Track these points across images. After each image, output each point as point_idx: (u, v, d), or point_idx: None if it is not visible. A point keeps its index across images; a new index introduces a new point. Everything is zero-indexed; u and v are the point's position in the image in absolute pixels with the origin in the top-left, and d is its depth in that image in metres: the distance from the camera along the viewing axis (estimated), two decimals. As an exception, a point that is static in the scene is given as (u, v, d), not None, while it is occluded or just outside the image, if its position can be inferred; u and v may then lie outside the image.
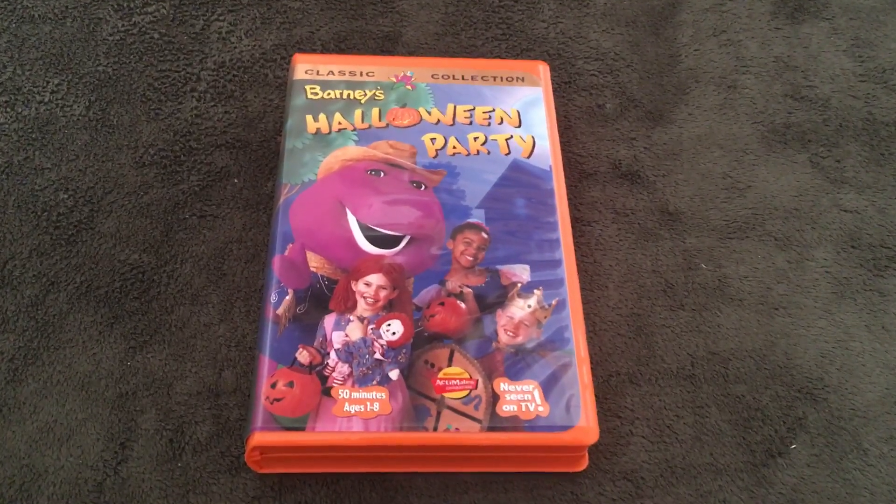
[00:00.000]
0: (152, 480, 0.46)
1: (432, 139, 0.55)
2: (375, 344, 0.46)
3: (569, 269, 0.50)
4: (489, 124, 0.56)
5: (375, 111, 0.56)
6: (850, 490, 0.48)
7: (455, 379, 0.46)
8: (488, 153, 0.55)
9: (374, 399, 0.44)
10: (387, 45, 0.65)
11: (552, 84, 0.63)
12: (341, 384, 0.45)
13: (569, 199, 0.56)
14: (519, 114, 0.57)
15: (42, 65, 0.61)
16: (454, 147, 0.55)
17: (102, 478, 0.46)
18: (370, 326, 0.47)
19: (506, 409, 0.45)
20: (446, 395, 0.45)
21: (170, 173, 0.57)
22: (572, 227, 0.55)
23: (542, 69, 0.60)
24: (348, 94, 0.56)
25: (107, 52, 0.63)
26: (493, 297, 0.49)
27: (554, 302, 0.49)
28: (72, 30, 0.63)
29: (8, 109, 0.59)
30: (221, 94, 0.61)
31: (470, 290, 0.49)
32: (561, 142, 0.59)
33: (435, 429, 0.44)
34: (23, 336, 0.50)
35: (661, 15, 0.69)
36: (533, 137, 0.56)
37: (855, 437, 0.50)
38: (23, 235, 0.54)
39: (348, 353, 0.46)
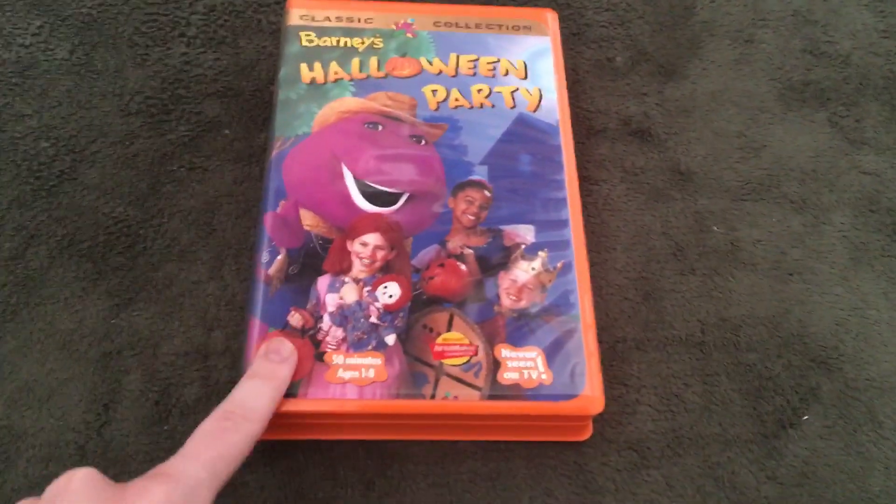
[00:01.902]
0: (137, 443, 0.45)
1: (433, 91, 0.53)
2: (371, 307, 0.45)
3: (575, 231, 0.49)
4: (494, 76, 0.54)
5: (374, 60, 0.53)
6: (864, 463, 0.47)
7: (454, 345, 0.44)
8: (492, 106, 0.52)
9: (369, 365, 0.43)
10: (387, -9, 0.62)
11: (560, 36, 0.60)
12: (335, 349, 0.43)
13: (576, 156, 0.54)
14: (525, 65, 0.54)
15: (23, 6, 0.59)
16: (456, 99, 0.52)
17: (85, 440, 0.45)
18: (366, 289, 0.45)
19: (507, 376, 0.43)
20: (445, 361, 0.44)
21: (157, 123, 0.55)
22: (579, 186, 0.53)
23: (551, 18, 0.57)
24: (345, 42, 0.54)
25: (92, -7, 0.60)
26: (495, 259, 0.47)
27: (559, 265, 0.47)
28: (55, -31, 0.61)
29: (-13, 53, 0.57)
30: (212, 40, 0.59)
31: (471, 251, 0.47)
32: (569, 96, 0.57)
33: (433, 396, 0.43)
34: (1, 291, 0.49)
35: (675, -36, 0.66)
36: (540, 90, 0.53)
37: (870, 408, 0.49)
38: (2, 185, 0.52)
39: (343, 316, 0.44)
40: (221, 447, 0.37)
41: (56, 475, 0.43)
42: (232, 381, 0.46)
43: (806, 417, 0.48)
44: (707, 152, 0.57)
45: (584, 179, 0.55)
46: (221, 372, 0.47)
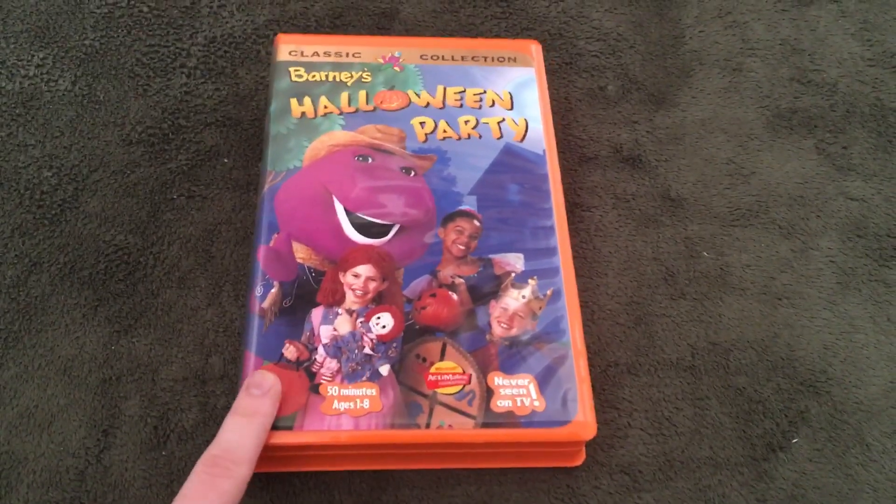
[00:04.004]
0: (136, 469, 0.45)
1: (422, 123, 0.53)
2: (365, 338, 0.45)
3: (564, 258, 0.49)
4: (480, 107, 0.54)
5: (363, 94, 0.54)
6: (853, 486, 0.48)
7: (448, 374, 0.44)
8: (480, 137, 0.53)
9: (363, 396, 0.43)
10: (383, 22, 0.63)
11: (552, 65, 0.61)
12: (330, 380, 0.44)
13: (568, 183, 0.55)
14: (511, 96, 0.55)
15: (27, 37, 0.60)
16: (444, 131, 0.53)
17: (84, 465, 0.45)
18: (359, 320, 0.46)
19: (500, 404, 0.44)
20: (439, 390, 0.44)
21: (157, 152, 0.56)
22: (571, 212, 0.54)
23: (535, 49, 0.58)
24: (334, 77, 0.54)
25: (94, 26, 0.61)
26: (486, 288, 0.48)
27: (549, 292, 0.48)
28: (58, 1, 0.62)
29: (-9, 84, 0.58)
30: (212, 71, 0.60)
31: (462, 280, 0.48)
32: (561, 124, 0.58)
33: (427, 426, 0.43)
34: (3, 318, 0.49)
35: (665, -7, 0.67)
36: (526, 120, 0.54)
37: (858, 431, 0.49)
38: (5, 214, 0.53)
39: (337, 347, 0.45)
40: (215, 498, 0.37)
41: (56, 501, 0.44)
42: (229, 407, 0.46)
43: (795, 440, 0.49)
44: (697, 179, 0.58)
45: (576, 206, 0.56)
46: (219, 398, 0.48)
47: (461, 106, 0.54)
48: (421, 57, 0.56)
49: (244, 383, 0.43)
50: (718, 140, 0.60)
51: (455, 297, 0.47)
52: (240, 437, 0.40)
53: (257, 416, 0.41)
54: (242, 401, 0.42)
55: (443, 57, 0.56)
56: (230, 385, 0.48)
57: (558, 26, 0.64)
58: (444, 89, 0.55)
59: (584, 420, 0.44)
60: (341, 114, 0.53)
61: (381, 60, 0.55)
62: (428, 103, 0.54)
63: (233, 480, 0.38)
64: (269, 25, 0.62)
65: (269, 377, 0.43)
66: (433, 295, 0.47)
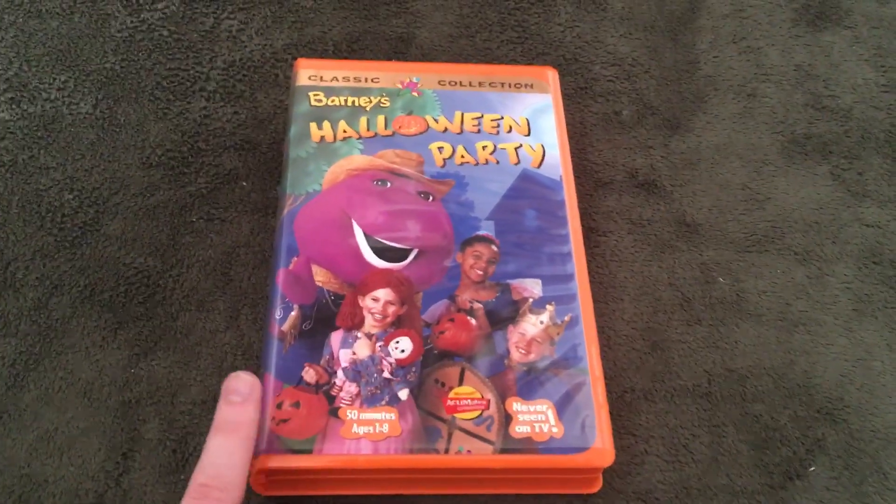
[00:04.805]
0: (155, 492, 0.45)
1: (440, 148, 0.54)
2: (384, 362, 0.45)
3: (581, 284, 0.49)
4: (498, 133, 0.55)
5: (381, 119, 0.54)
6: (870, 515, 0.47)
7: (466, 399, 0.44)
8: (497, 163, 0.53)
9: (383, 420, 0.43)
10: (400, 47, 0.64)
11: (567, 90, 0.62)
12: (349, 404, 0.44)
13: (584, 208, 0.55)
14: (528, 122, 0.55)
15: (49, 61, 0.61)
16: (462, 156, 0.53)
17: (104, 489, 0.45)
18: (378, 344, 0.46)
19: (519, 430, 0.44)
20: (458, 415, 0.44)
21: (177, 175, 0.56)
22: (587, 237, 0.54)
23: (552, 75, 0.58)
24: (353, 101, 0.55)
25: (115, 49, 0.62)
26: (504, 313, 0.48)
27: (567, 318, 0.48)
28: (79, 25, 0.62)
29: (13, 106, 0.58)
30: (231, 94, 0.60)
31: (480, 305, 0.48)
32: (576, 149, 0.58)
33: (446, 451, 0.43)
34: (24, 340, 0.49)
35: (679, 20, 0.67)
36: (543, 146, 0.54)
37: (875, 459, 0.49)
38: (26, 236, 0.53)
39: (356, 371, 0.45)
40: None
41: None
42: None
43: (812, 468, 0.48)
44: (712, 204, 0.58)
45: (592, 231, 0.56)
46: (237, 421, 0.48)
47: (479, 131, 0.55)
48: (439, 83, 0.56)
49: (222, 389, 0.41)
50: (733, 165, 0.60)
51: (473, 321, 0.47)
52: (226, 459, 0.38)
53: (241, 428, 0.40)
54: (224, 411, 0.40)
55: (461, 83, 0.57)
56: (247, 408, 0.48)
57: (573, 51, 0.65)
58: (462, 115, 0.55)
59: (602, 447, 0.44)
60: (360, 138, 0.53)
61: (400, 86, 0.56)
62: (446, 128, 0.54)
63: None
64: (287, 50, 0.63)
65: (248, 379, 0.42)
66: (451, 319, 0.47)
